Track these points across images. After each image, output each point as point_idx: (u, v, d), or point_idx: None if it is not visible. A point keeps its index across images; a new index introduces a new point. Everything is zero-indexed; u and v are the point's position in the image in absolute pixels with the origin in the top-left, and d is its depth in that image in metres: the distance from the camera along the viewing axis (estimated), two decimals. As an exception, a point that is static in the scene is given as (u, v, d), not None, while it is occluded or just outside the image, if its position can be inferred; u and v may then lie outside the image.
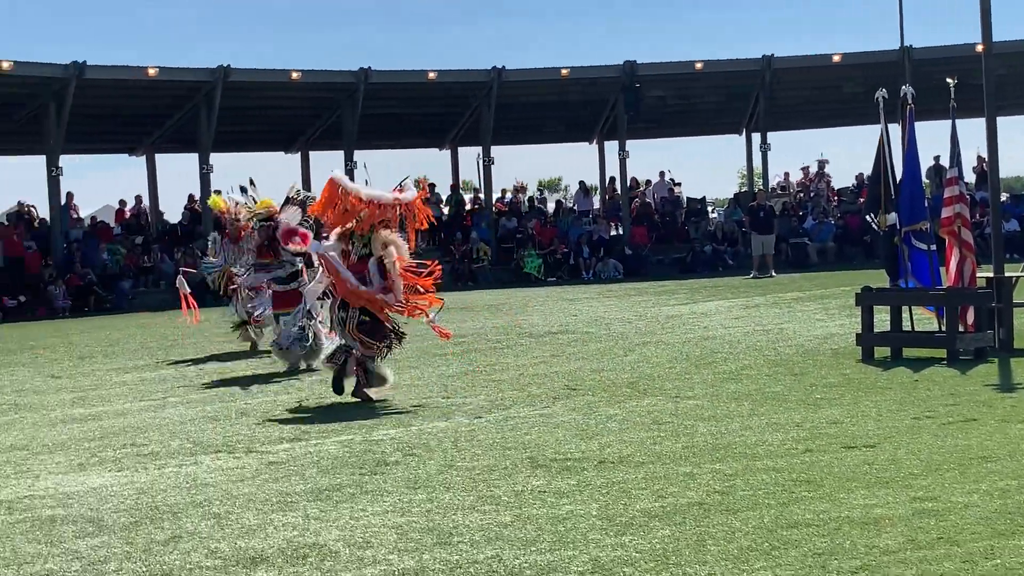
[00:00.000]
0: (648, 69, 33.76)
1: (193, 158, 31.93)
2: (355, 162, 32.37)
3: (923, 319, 13.42)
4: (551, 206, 38.44)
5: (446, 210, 35.54)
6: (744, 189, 39.57)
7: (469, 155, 38.41)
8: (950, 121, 13.36)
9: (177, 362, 15.04)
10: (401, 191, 10.93)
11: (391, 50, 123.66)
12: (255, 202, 14.83)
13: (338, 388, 10.82)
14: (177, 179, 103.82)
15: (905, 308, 12.91)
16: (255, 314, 14.83)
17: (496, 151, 34.80)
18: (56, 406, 11.44)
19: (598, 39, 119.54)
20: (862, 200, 29.55)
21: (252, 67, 32.25)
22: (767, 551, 5.46)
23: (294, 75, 31.56)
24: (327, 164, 39.44)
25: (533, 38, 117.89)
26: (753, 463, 7.34)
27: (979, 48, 12.04)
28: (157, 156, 34.39)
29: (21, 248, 28.96)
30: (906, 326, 12.84)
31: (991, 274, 12.64)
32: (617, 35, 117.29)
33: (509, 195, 37.50)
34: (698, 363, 12.44)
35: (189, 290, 16.34)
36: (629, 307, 20.48)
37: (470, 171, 38.47)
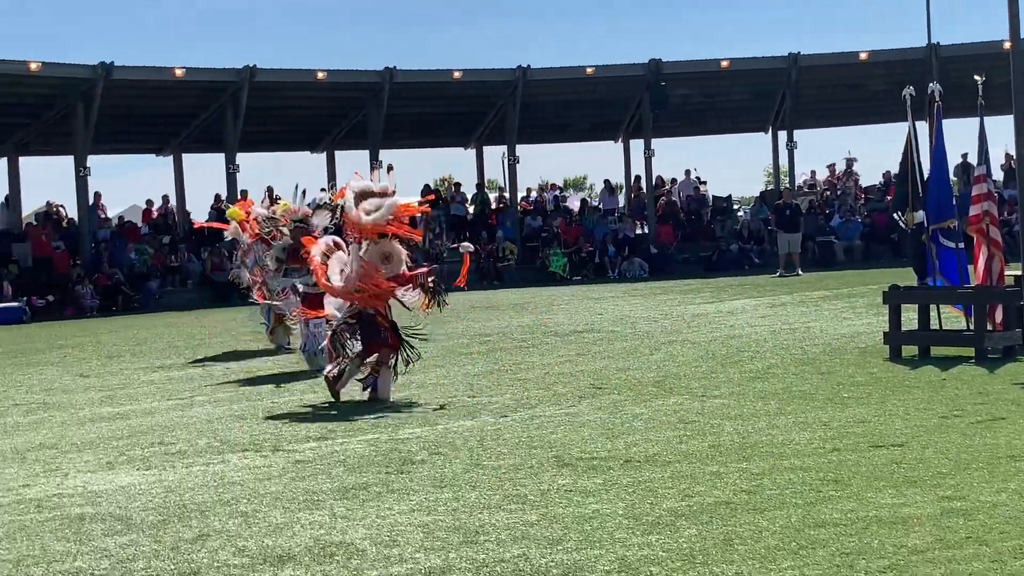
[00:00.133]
0: (674, 67, 33.69)
1: (219, 158, 32.07)
2: (380, 161, 32.51)
3: (951, 317, 13.34)
4: (573, 203, 38.38)
5: (471, 209, 35.58)
6: (770, 187, 39.44)
7: (494, 154, 38.45)
8: (978, 118, 13.27)
9: (204, 361, 15.11)
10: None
11: (416, 50, 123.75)
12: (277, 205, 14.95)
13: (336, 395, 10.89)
14: (203, 179, 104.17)
15: (933, 306, 12.84)
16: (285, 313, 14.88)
17: (521, 150, 34.83)
18: (85, 405, 11.50)
19: (623, 37, 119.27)
20: (889, 198, 29.43)
21: (278, 67, 32.34)
22: (794, 551, 5.44)
23: (320, 75, 31.64)
24: (353, 164, 39.49)
25: (558, 37, 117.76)
26: (780, 462, 7.31)
27: (1007, 45, 11.95)
28: (184, 156, 34.54)
29: (50, 248, 29.14)
30: (934, 325, 12.77)
31: (1019, 272, 12.56)
32: (642, 33, 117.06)
33: (534, 194, 37.51)
34: (724, 362, 12.41)
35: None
36: (655, 306, 20.44)
37: (495, 170, 38.54)
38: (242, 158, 31.63)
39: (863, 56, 33.81)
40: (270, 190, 29.57)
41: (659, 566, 5.32)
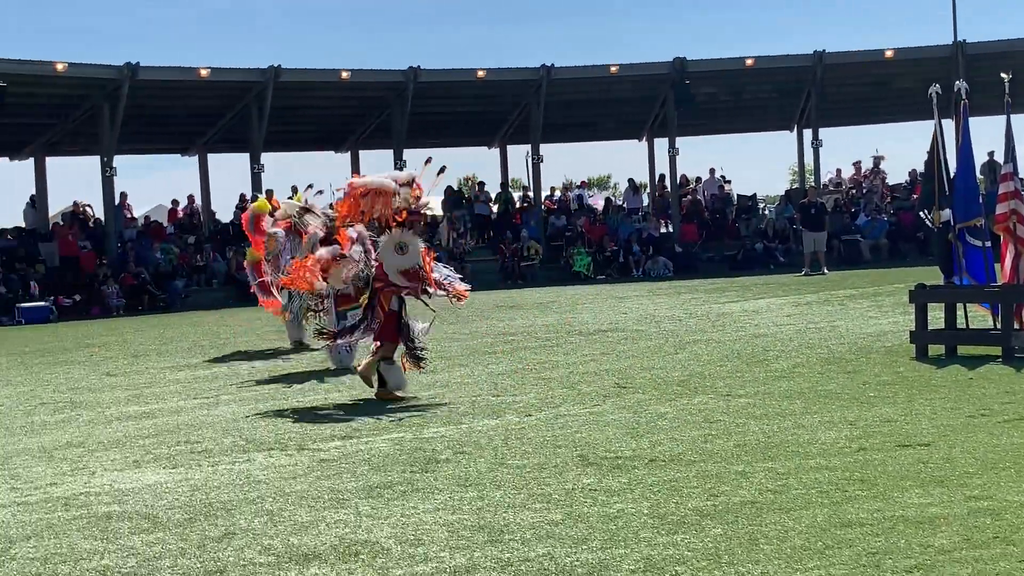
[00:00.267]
0: (698, 65, 33.63)
1: (244, 158, 32.20)
2: (404, 161, 32.58)
3: (978, 316, 13.27)
4: (597, 202, 38.36)
5: (495, 209, 35.60)
6: (795, 186, 39.33)
7: (518, 153, 38.48)
8: (1005, 116, 13.20)
9: (229, 360, 15.15)
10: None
11: (440, 49, 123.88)
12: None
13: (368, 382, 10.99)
14: (229, 179, 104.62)
15: (959, 305, 12.78)
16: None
17: (545, 149, 34.84)
18: (111, 404, 11.56)
19: (647, 35, 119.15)
20: (915, 196, 29.31)
21: (302, 67, 32.43)
22: (820, 550, 5.42)
23: (344, 75, 31.72)
24: (377, 163, 39.61)
25: (582, 35, 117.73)
26: (806, 462, 7.29)
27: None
28: (209, 156, 34.70)
29: (76, 248, 29.31)
30: (960, 323, 12.71)
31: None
32: (667, 32, 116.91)
33: (558, 193, 37.51)
34: (749, 361, 12.37)
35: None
36: (679, 305, 20.41)
37: (519, 169, 38.54)
38: (267, 158, 31.78)
39: (889, 54, 33.68)
40: (294, 189, 29.65)
41: (684, 565, 5.31)
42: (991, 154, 31.94)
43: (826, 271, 27.93)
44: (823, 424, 8.56)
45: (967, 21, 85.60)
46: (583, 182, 41.93)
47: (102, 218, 30.67)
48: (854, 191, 36.10)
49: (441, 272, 11.26)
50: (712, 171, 37.27)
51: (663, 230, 34.63)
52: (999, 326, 12.17)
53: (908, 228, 31.82)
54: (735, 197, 36.63)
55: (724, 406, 9.60)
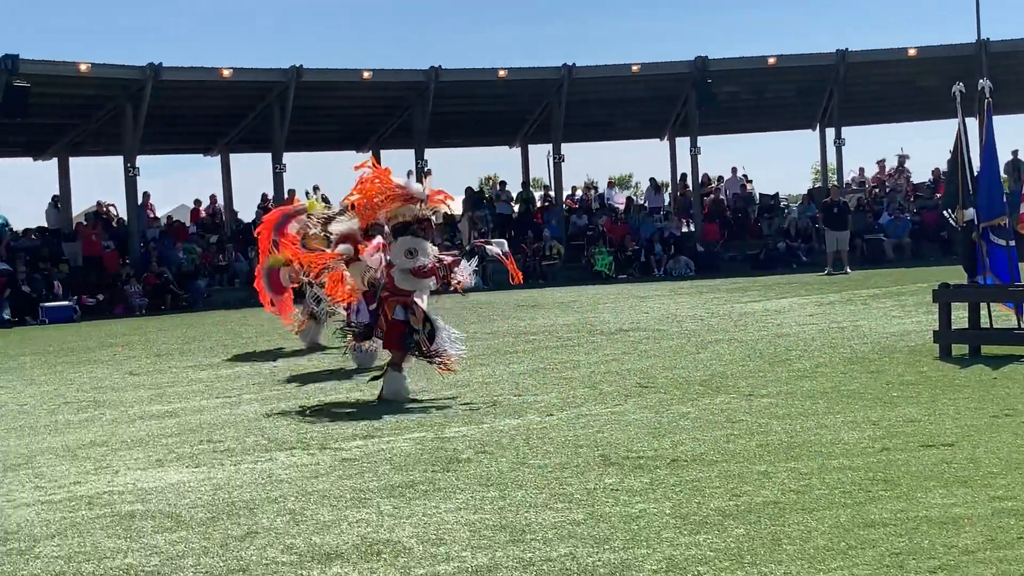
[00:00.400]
0: (720, 64, 33.52)
1: (266, 158, 32.24)
2: (425, 161, 32.62)
3: (1002, 316, 13.21)
4: (618, 201, 38.32)
5: (516, 208, 35.59)
6: (818, 185, 39.20)
7: (539, 153, 38.43)
8: (1029, 115, 13.13)
9: (252, 359, 15.19)
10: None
11: (462, 49, 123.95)
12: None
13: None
14: (251, 179, 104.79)
15: (983, 305, 12.72)
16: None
17: (566, 148, 34.75)
18: (134, 403, 11.60)
19: (669, 35, 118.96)
20: (939, 195, 29.18)
21: (324, 67, 32.48)
22: (843, 551, 5.41)
23: (365, 74, 31.74)
24: (399, 163, 39.60)
25: (603, 35, 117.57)
26: (829, 462, 7.27)
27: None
28: (231, 156, 34.76)
29: (99, 247, 29.41)
30: (984, 323, 12.65)
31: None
32: (688, 30, 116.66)
33: (579, 192, 37.49)
34: (772, 361, 12.34)
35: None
36: (701, 304, 20.37)
37: (540, 169, 38.49)
38: (288, 158, 31.81)
39: (912, 52, 33.51)
40: (316, 189, 29.70)
41: (707, 566, 5.30)
42: (1015, 153, 31.77)
43: (849, 270, 27.83)
44: (846, 424, 8.54)
45: (991, 19, 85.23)
46: (610, 181, 41.84)
47: (125, 218, 30.77)
48: (877, 190, 35.95)
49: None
50: (734, 170, 37.17)
51: (685, 229, 34.56)
52: (1023, 325, 12.10)
53: (931, 227, 31.66)
54: (757, 196, 36.52)
55: (746, 406, 9.58)
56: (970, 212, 12.84)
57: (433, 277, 10.96)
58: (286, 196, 29.94)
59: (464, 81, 33.36)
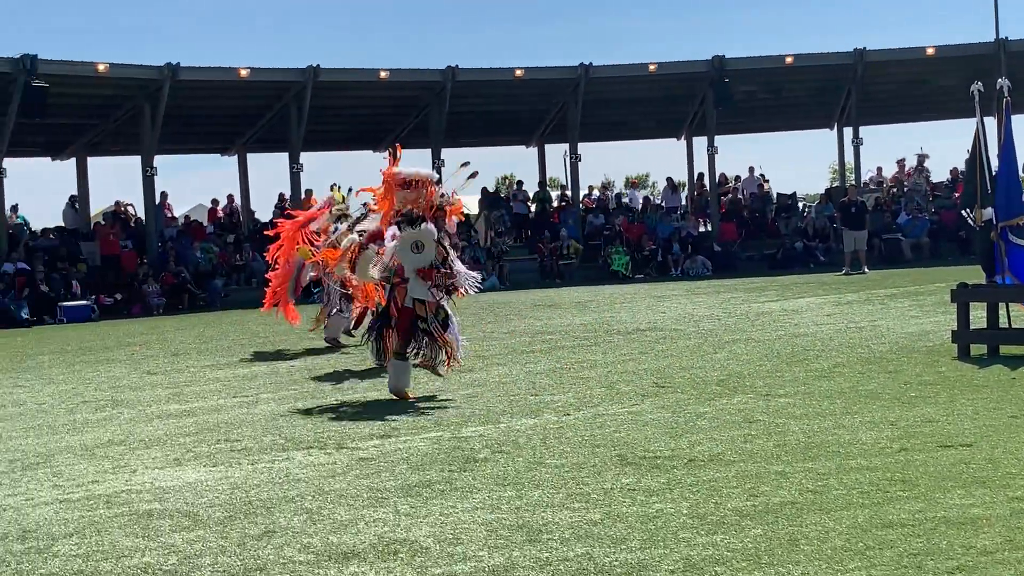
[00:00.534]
0: (737, 63, 33.47)
1: (283, 157, 32.32)
2: (442, 160, 32.63)
3: (1020, 316, 13.16)
4: (634, 200, 38.29)
5: (533, 208, 35.58)
6: (836, 184, 39.08)
7: (556, 152, 38.44)
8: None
9: (269, 359, 15.22)
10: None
11: (478, 48, 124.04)
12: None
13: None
14: (268, 178, 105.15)
15: (1002, 305, 12.67)
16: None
17: (583, 148, 34.74)
18: (152, 402, 11.63)
19: (685, 34, 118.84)
20: (957, 195, 29.07)
21: (341, 67, 32.51)
22: (861, 551, 5.39)
23: (382, 74, 31.77)
24: (416, 162, 39.62)
25: (620, 34, 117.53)
26: (847, 462, 7.25)
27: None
28: (248, 156, 34.85)
29: (117, 247, 29.50)
30: (1003, 323, 12.60)
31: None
32: (705, 29, 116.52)
33: (596, 192, 37.47)
34: (789, 361, 12.32)
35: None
36: (718, 304, 20.34)
37: (557, 168, 38.52)
38: (305, 157, 31.86)
39: (930, 51, 33.40)
40: (334, 188, 29.76)
41: (724, 566, 5.29)
42: (1034, 152, 31.60)
43: (867, 270, 27.75)
44: (864, 424, 8.51)
45: (1009, 18, 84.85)
46: (633, 181, 41.78)
47: (143, 217, 30.86)
48: (895, 190, 35.84)
49: (458, 268, 11.24)
50: (751, 169, 37.09)
51: (702, 229, 34.51)
52: (1042, 325, 12.06)
53: (950, 227, 31.54)
54: (774, 196, 36.44)
55: (764, 406, 9.56)
56: (988, 212, 12.79)
57: (431, 282, 10.89)
58: (303, 196, 30.03)
59: (481, 81, 33.38)
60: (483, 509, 6.51)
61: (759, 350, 13.33)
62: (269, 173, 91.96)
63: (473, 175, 11.49)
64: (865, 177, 35.95)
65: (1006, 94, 12.77)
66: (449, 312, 11.08)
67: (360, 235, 11.52)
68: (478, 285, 11.50)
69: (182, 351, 16.73)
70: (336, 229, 13.78)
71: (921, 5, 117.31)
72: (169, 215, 32.72)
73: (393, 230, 10.99)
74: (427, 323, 10.90)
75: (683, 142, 37.74)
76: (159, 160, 30.50)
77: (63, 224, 31.29)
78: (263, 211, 34.34)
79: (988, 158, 12.96)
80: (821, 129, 38.32)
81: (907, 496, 6.34)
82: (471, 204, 36.96)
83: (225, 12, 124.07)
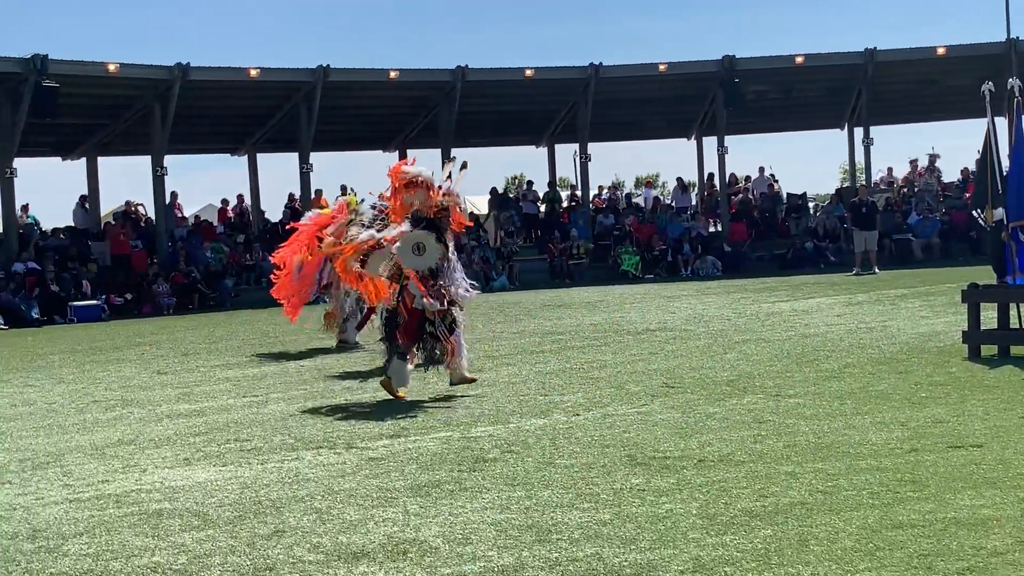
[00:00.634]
0: (747, 63, 33.43)
1: (293, 157, 32.34)
2: (453, 159, 32.61)
3: (1031, 316, 13.12)
4: (640, 200, 38.31)
5: (543, 208, 35.58)
6: (846, 184, 39.03)
7: (566, 152, 38.42)
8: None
9: (279, 359, 15.23)
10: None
11: (488, 48, 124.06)
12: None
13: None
14: (278, 178, 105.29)
15: (1013, 305, 12.63)
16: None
17: (593, 148, 34.73)
18: (162, 402, 11.65)
19: (696, 33, 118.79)
20: (968, 195, 29.01)
21: (351, 67, 32.53)
22: (871, 552, 5.38)
23: (392, 74, 31.79)
24: (425, 162, 39.60)
25: (631, 34, 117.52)
26: (856, 462, 7.24)
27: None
28: (258, 156, 34.88)
29: (128, 247, 29.56)
30: (1014, 323, 12.56)
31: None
32: (715, 29, 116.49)
33: (606, 193, 37.45)
34: (799, 361, 12.30)
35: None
36: (728, 304, 20.32)
37: (567, 168, 38.47)
38: (315, 157, 31.90)
39: (941, 51, 33.33)
40: (344, 188, 29.81)
41: (733, 566, 5.28)
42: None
43: (877, 270, 27.71)
44: (874, 425, 8.50)
45: (1021, 18, 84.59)
46: (648, 181, 41.72)
47: (153, 217, 30.92)
48: (905, 190, 35.78)
49: (453, 278, 11.19)
50: (761, 170, 37.07)
51: (712, 229, 34.49)
52: (1053, 326, 12.02)
53: (960, 227, 31.50)
54: (785, 196, 36.40)
55: (774, 406, 9.54)
56: (999, 212, 12.76)
57: (423, 292, 10.87)
58: (313, 196, 30.07)
59: (491, 81, 33.38)
60: (493, 509, 6.51)
61: (769, 350, 13.31)
62: (279, 173, 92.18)
63: (463, 166, 11.50)
64: (876, 177, 35.90)
65: (1017, 94, 12.73)
66: (457, 318, 11.05)
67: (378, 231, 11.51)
68: (474, 292, 11.50)
69: (192, 351, 16.76)
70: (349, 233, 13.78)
71: (932, 5, 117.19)
72: (179, 215, 32.78)
73: (403, 227, 11.00)
74: (435, 327, 10.90)
75: (693, 142, 37.72)
76: (169, 160, 30.59)
77: (73, 224, 31.36)
78: (273, 211, 34.48)
79: (999, 158, 12.93)
80: (831, 129, 38.29)
81: (917, 497, 6.32)
82: (481, 204, 37.02)
83: (235, 12, 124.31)
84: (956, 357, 11.94)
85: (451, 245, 11.24)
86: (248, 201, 34.19)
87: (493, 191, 37.20)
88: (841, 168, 49.89)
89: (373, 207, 12.34)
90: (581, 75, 33.33)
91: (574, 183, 37.31)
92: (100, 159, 33.03)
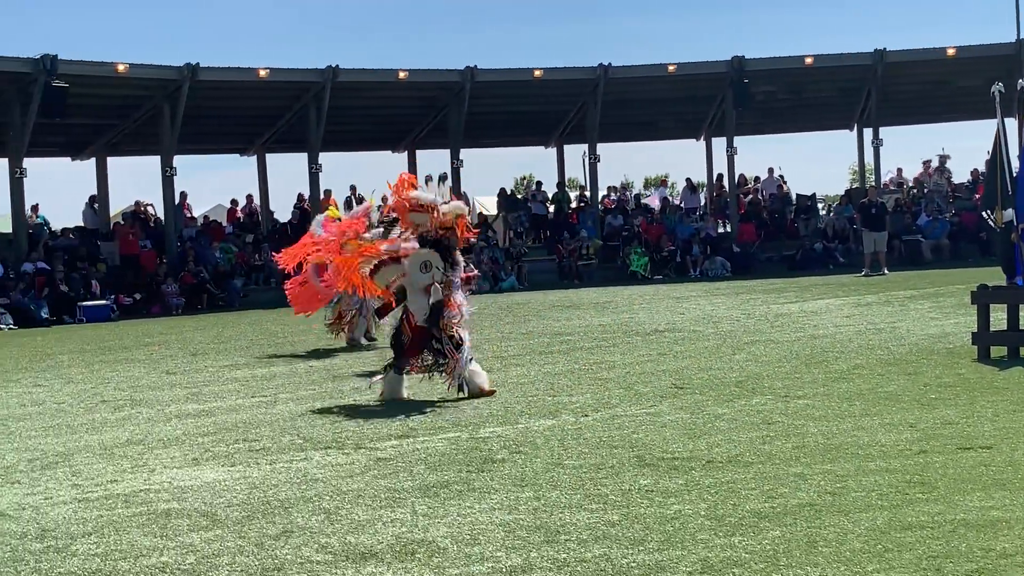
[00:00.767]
0: (757, 64, 33.41)
1: (302, 158, 32.38)
2: (460, 160, 32.66)
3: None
4: (653, 202, 38.25)
5: (552, 208, 35.59)
6: (856, 185, 38.98)
7: (575, 153, 38.45)
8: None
9: (287, 359, 15.25)
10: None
11: (497, 49, 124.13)
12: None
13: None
14: (287, 178, 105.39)
15: (1022, 306, 12.60)
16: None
17: (602, 148, 34.75)
18: (170, 402, 11.66)
19: (705, 34, 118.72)
20: (978, 196, 28.96)
21: (360, 67, 32.55)
22: (880, 553, 5.37)
23: (401, 75, 31.81)
24: (434, 163, 39.69)
25: (640, 34, 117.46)
26: (865, 464, 7.22)
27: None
28: (267, 156, 34.92)
29: (137, 247, 29.60)
30: (1023, 325, 12.53)
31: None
32: (725, 30, 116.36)
33: (614, 195, 37.43)
34: (808, 362, 12.28)
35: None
36: (737, 305, 20.30)
37: (576, 169, 38.50)
38: (324, 158, 31.94)
39: (951, 52, 33.29)
40: (353, 189, 29.86)
41: (742, 568, 5.27)
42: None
43: (886, 272, 27.66)
44: (883, 426, 8.48)
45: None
46: (663, 181, 41.70)
47: (162, 217, 30.96)
48: (915, 191, 35.73)
49: (457, 299, 11.17)
50: (771, 170, 37.06)
51: (721, 230, 34.47)
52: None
53: (970, 228, 31.44)
54: (794, 197, 36.37)
55: (782, 407, 9.53)
56: (1009, 213, 12.74)
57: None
58: (322, 196, 30.10)
59: (500, 81, 33.38)
60: (501, 510, 6.51)
61: (778, 351, 13.29)
62: (288, 173, 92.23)
63: (442, 178, 11.58)
64: (885, 178, 35.84)
65: (1027, 95, 12.71)
66: (463, 337, 10.99)
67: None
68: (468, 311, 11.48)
69: (201, 351, 16.78)
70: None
71: (942, 6, 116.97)
72: (188, 215, 32.83)
73: (414, 243, 11.05)
74: (441, 344, 10.89)
75: (702, 143, 37.69)
76: (178, 160, 30.64)
77: (83, 224, 31.42)
78: (282, 211, 34.51)
79: (1009, 159, 12.90)
80: (841, 130, 38.25)
81: (926, 498, 6.31)
82: (490, 205, 37.03)
83: (244, 12, 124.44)
84: (965, 358, 11.91)
85: (461, 263, 11.22)
86: (257, 201, 34.23)
87: (502, 192, 37.20)
88: (851, 169, 49.81)
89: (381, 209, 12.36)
90: (590, 75, 33.34)
91: (583, 184, 37.28)
92: (109, 159, 33.09)
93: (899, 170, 37.34)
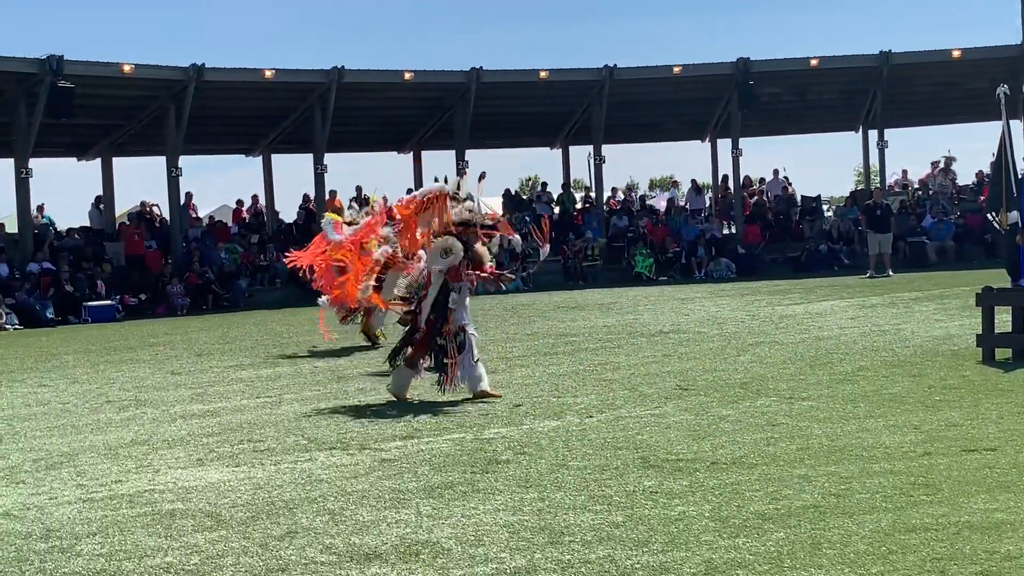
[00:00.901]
0: (762, 66, 33.35)
1: (308, 158, 32.38)
2: (466, 162, 32.63)
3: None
4: (659, 203, 38.23)
5: (557, 209, 35.58)
6: (861, 187, 38.94)
7: (580, 154, 38.39)
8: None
9: (292, 359, 15.26)
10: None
11: (503, 50, 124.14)
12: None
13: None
14: (292, 179, 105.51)
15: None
16: None
17: (607, 149, 34.71)
18: (175, 402, 11.68)
19: (710, 36, 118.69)
20: (983, 198, 28.92)
21: (365, 68, 32.55)
22: (884, 555, 5.37)
23: (407, 75, 31.79)
24: (439, 164, 39.71)
25: (645, 36, 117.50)
26: (870, 466, 7.22)
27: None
28: (273, 157, 34.92)
29: (142, 247, 29.62)
30: (1028, 327, 12.54)
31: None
32: (730, 31, 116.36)
33: (620, 194, 37.41)
34: (813, 364, 12.28)
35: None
36: (742, 307, 20.29)
37: (581, 170, 38.47)
38: (330, 158, 31.92)
39: (956, 54, 33.22)
40: (359, 189, 29.87)
41: (746, 569, 5.28)
42: (1060, 155, 31.39)
43: (891, 273, 27.63)
44: (887, 428, 8.48)
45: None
46: (674, 181, 41.69)
47: (168, 218, 30.98)
48: (920, 192, 35.69)
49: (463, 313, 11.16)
50: (776, 172, 37.03)
51: (726, 231, 34.44)
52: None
53: (975, 230, 31.39)
54: (799, 198, 36.34)
55: (787, 409, 9.53)
56: (1014, 215, 12.73)
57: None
58: (327, 197, 30.10)
59: (505, 82, 33.35)
60: (505, 511, 6.51)
61: (783, 353, 13.29)
62: (293, 174, 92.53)
63: (481, 176, 11.49)
64: (890, 180, 35.80)
65: (1032, 97, 12.71)
66: (469, 341, 10.96)
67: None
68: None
69: (206, 351, 16.79)
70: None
71: (947, 8, 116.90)
72: (194, 215, 32.83)
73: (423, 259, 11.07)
74: (444, 341, 10.88)
75: (707, 144, 37.64)
76: (184, 161, 30.62)
77: (88, 224, 31.44)
78: (288, 212, 34.50)
79: (1014, 161, 12.90)
80: (846, 132, 38.23)
81: (930, 500, 6.31)
82: (495, 206, 36.97)
83: (250, 13, 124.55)
84: (970, 360, 11.91)
85: (486, 258, 11.14)
86: (263, 202, 34.24)
87: (507, 192, 37.16)
88: (855, 171, 49.70)
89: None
90: (596, 77, 33.32)
91: (588, 185, 37.26)
92: (115, 159, 33.09)
93: (904, 172, 37.32)
